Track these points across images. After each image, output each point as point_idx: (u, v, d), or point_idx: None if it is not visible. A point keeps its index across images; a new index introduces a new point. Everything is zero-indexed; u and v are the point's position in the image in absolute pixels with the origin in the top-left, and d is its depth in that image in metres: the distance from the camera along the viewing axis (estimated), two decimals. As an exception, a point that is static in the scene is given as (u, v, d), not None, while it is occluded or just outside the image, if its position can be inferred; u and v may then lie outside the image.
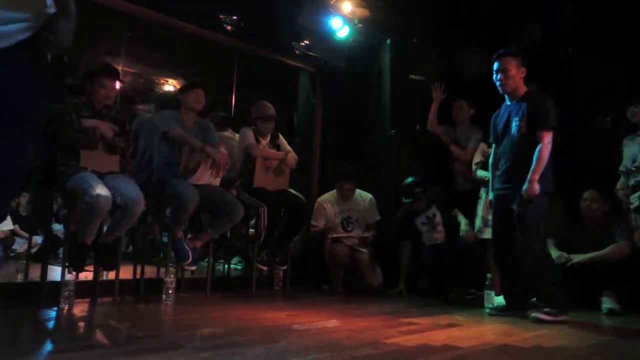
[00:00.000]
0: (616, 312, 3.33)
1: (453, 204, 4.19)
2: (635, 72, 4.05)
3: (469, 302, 3.78)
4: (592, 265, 3.43)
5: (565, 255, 3.54)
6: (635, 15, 4.11)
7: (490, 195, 3.42)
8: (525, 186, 2.99)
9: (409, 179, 4.17)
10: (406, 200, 4.14)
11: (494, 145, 3.44)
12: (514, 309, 3.15)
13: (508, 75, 3.19)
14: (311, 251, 4.55)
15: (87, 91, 3.12)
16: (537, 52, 4.43)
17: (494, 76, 3.25)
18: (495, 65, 3.24)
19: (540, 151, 3.02)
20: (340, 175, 4.41)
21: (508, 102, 3.29)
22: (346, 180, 4.35)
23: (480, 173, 4.05)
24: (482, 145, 4.14)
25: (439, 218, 4.10)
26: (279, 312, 3.00)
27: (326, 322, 2.66)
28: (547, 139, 3.05)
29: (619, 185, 3.86)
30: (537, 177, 2.99)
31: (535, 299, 3.07)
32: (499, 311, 3.19)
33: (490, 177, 3.44)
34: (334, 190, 4.46)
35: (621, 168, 3.84)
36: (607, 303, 3.34)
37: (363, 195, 4.44)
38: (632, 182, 3.69)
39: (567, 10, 4.48)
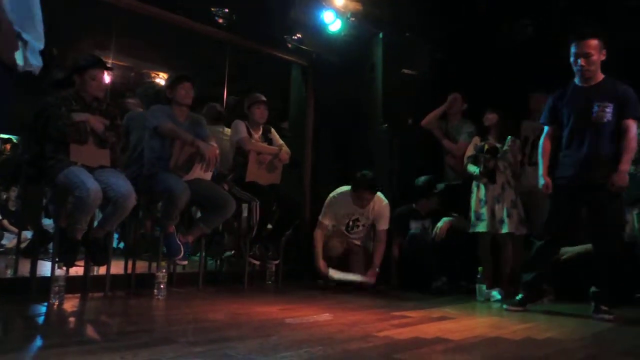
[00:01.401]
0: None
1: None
2: (627, 70, 4.06)
3: (450, 294, 3.78)
4: (583, 259, 3.46)
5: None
6: (627, 12, 4.13)
7: (541, 181, 3.19)
8: (615, 178, 2.89)
9: (424, 178, 4.13)
10: (424, 199, 4.11)
11: (546, 128, 3.25)
12: (530, 302, 3.15)
13: (590, 60, 2.96)
14: (304, 246, 4.54)
15: (77, 85, 3.08)
16: (529, 47, 4.46)
17: (572, 59, 3.03)
18: (574, 48, 3.01)
19: (630, 141, 2.92)
20: (362, 183, 3.93)
21: (579, 84, 3.09)
22: (370, 190, 3.92)
23: (471, 168, 4.07)
24: (476, 139, 4.16)
25: (429, 230, 4.10)
26: (271, 307, 3.00)
27: (318, 316, 2.67)
28: (635, 128, 2.96)
29: None
30: (628, 168, 2.92)
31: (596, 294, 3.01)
32: (515, 306, 3.16)
33: (541, 162, 3.23)
34: (349, 190, 4.02)
35: None
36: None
37: (377, 200, 4.04)
38: None
39: (561, 6, 4.49)
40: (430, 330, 2.36)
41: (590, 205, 3.04)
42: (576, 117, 3.06)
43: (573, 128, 3.07)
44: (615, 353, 2.17)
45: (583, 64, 2.99)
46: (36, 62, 1.81)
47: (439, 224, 4.04)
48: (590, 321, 2.84)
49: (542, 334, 2.41)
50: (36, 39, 1.80)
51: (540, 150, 3.27)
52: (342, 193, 4.07)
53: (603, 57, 3.02)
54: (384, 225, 4.06)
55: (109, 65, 3.33)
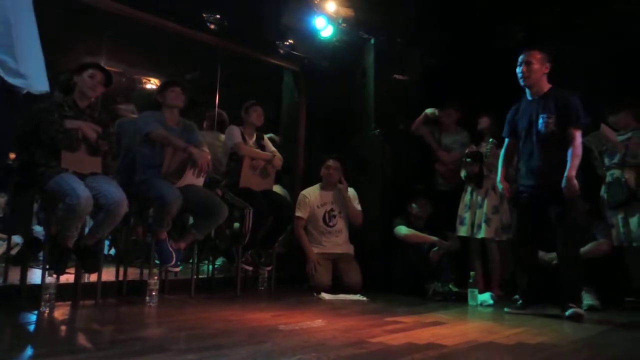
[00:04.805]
0: (596, 308, 3.40)
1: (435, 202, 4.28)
2: (617, 77, 4.10)
3: (444, 299, 3.77)
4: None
5: (548, 255, 3.58)
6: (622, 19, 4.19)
7: (499, 186, 3.43)
8: (564, 184, 3.02)
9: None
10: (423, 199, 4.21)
11: (507, 140, 3.46)
12: (531, 306, 3.20)
13: (531, 68, 3.22)
14: (296, 251, 4.53)
15: (73, 85, 3.05)
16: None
17: (517, 68, 3.27)
18: (520, 58, 3.27)
19: (575, 149, 3.07)
20: (325, 157, 4.32)
21: (529, 98, 3.31)
22: (331, 158, 4.26)
23: (462, 173, 4.14)
24: (470, 147, 4.20)
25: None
26: (264, 313, 3.00)
27: (312, 322, 2.67)
28: (579, 136, 3.11)
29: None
30: (574, 174, 3.04)
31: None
32: (517, 310, 3.22)
33: (500, 168, 3.44)
34: (316, 185, 4.37)
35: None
36: (587, 299, 3.39)
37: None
38: (609, 178, 3.75)
39: (554, 12, 4.55)
40: (423, 335, 2.36)
41: (549, 211, 3.16)
42: (526, 129, 3.28)
43: (525, 139, 3.29)
44: (607, 357, 2.19)
45: (524, 70, 3.24)
46: (14, 82, 1.79)
47: (434, 249, 4.02)
48: (581, 326, 2.86)
49: (534, 338, 2.43)
50: (16, 61, 1.79)
51: (500, 159, 3.49)
52: (310, 188, 4.38)
53: (546, 70, 3.25)
54: (356, 207, 4.27)
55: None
